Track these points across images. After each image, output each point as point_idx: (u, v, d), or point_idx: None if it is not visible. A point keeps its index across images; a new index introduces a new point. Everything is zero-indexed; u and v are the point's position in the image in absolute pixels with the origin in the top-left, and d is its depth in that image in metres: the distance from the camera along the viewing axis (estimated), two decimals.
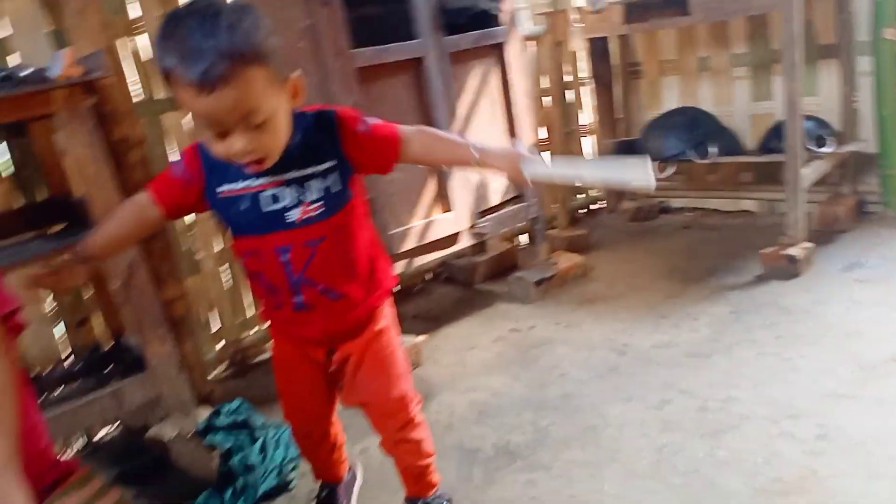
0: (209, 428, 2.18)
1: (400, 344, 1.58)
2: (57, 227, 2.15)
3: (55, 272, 1.34)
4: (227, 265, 2.79)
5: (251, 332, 2.89)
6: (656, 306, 2.76)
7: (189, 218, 2.64)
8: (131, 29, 2.44)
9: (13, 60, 2.19)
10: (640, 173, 1.29)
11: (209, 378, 2.62)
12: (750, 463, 1.76)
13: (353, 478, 1.88)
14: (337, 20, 2.25)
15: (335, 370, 1.55)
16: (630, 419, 2.04)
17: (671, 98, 3.82)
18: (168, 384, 2.13)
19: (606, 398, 2.17)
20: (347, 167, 1.34)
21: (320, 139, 1.31)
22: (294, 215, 1.31)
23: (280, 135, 1.22)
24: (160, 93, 2.50)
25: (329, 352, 1.53)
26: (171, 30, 1.10)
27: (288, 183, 1.30)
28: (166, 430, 2.21)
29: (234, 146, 1.16)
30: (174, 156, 2.55)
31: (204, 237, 2.70)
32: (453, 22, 2.63)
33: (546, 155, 1.28)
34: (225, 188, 1.32)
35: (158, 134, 2.51)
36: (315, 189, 1.31)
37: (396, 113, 2.51)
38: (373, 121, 1.36)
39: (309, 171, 1.30)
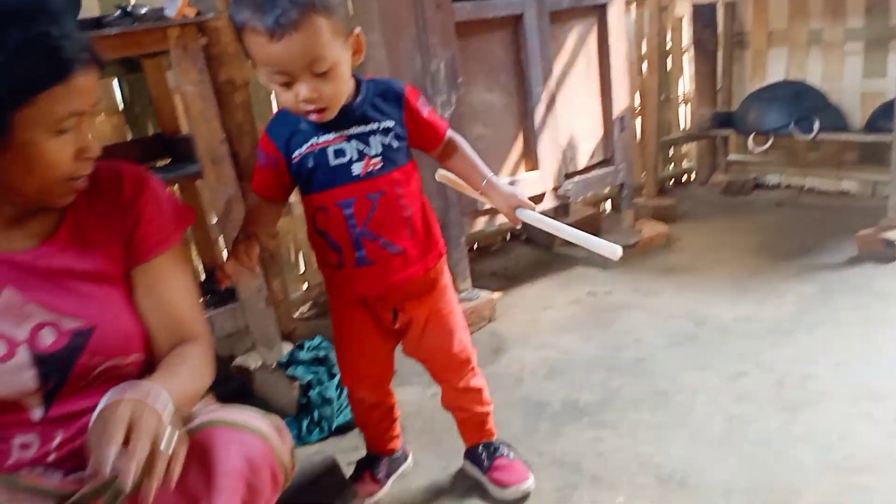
0: (291, 361, 2.29)
1: (457, 300, 1.65)
2: (163, 162, 2.29)
3: (240, 256, 1.44)
4: None
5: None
6: (741, 280, 2.71)
7: None
8: None
9: None
10: (608, 250, 1.42)
11: (293, 316, 2.74)
12: (824, 439, 1.74)
13: (403, 457, 1.86)
14: None
15: (400, 329, 1.61)
16: (703, 387, 2.04)
17: (776, 71, 3.68)
18: (256, 317, 2.24)
19: (680, 365, 2.17)
20: (404, 133, 1.43)
21: (384, 102, 1.41)
22: (358, 168, 1.39)
23: (341, 86, 1.30)
24: None
25: (394, 311, 1.58)
26: None
27: (350, 138, 1.38)
28: (251, 361, 2.34)
29: (300, 93, 1.25)
30: (275, 101, 2.64)
31: None
32: None
33: (536, 208, 1.46)
34: (296, 153, 1.40)
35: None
36: (376, 144, 1.39)
37: (491, 70, 2.53)
38: (430, 107, 1.47)
39: (371, 126, 1.39)
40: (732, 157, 3.93)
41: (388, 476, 1.82)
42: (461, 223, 2.52)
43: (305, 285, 2.92)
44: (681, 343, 2.31)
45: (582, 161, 2.85)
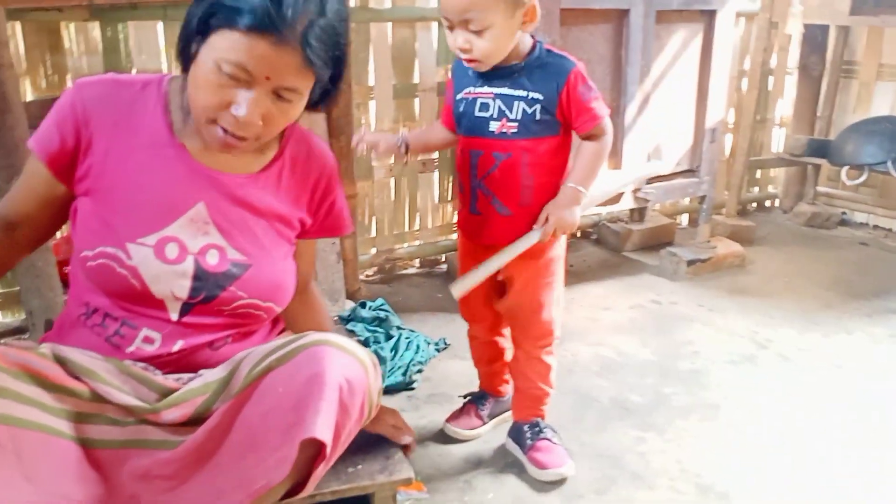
0: (352, 317, 2.36)
1: (561, 281, 1.68)
2: None
3: (382, 139, 1.67)
4: (394, 179, 2.94)
5: (404, 246, 3.04)
6: (810, 312, 2.65)
7: (373, 126, 2.79)
8: None
9: None
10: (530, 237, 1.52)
11: (358, 277, 2.81)
12: (875, 478, 1.70)
13: (508, 405, 1.89)
14: None
15: (502, 281, 1.67)
16: (756, 408, 2.01)
17: (882, 105, 3.56)
18: (326, 270, 2.31)
19: (735, 383, 2.14)
20: (553, 109, 1.48)
21: (544, 76, 1.48)
22: (494, 126, 1.51)
23: (495, 45, 1.42)
24: (372, 2, 2.65)
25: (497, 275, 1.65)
26: None
27: (496, 97, 1.50)
28: None
29: (456, 41, 1.43)
30: (377, 64, 2.70)
31: None
32: None
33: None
34: (459, 95, 1.56)
35: (364, 41, 2.66)
36: (517, 110, 1.49)
37: (589, 61, 2.51)
38: (593, 95, 1.49)
39: (518, 92, 1.49)
40: (821, 188, 3.82)
41: (490, 417, 1.90)
42: None
43: (374, 250, 2.97)
44: (739, 362, 2.28)
45: (667, 166, 2.81)
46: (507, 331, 1.82)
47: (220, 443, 1.01)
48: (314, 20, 1.01)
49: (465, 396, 1.94)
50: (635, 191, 2.73)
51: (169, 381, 1.10)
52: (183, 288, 1.10)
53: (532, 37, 1.51)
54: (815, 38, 3.47)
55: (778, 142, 3.91)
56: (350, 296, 2.60)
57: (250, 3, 0.97)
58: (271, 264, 1.18)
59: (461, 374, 2.17)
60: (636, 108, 2.61)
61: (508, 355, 1.84)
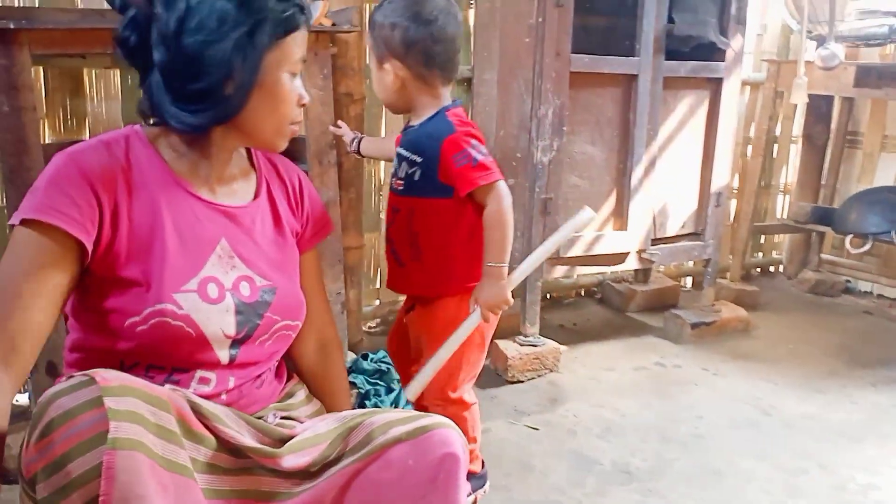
0: (353, 369, 2.35)
1: (471, 352, 1.65)
2: None
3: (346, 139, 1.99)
4: None
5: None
6: (814, 379, 2.63)
7: (383, 178, 2.83)
8: None
9: None
10: (582, 218, 1.57)
11: (361, 328, 2.80)
12: None
13: None
14: (565, 23, 2.34)
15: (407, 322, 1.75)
16: (759, 476, 1.98)
17: (886, 176, 3.59)
18: None
19: (739, 450, 2.12)
20: (431, 174, 1.55)
21: (427, 140, 1.55)
22: (392, 181, 1.64)
23: (376, 87, 1.60)
24: None
25: (408, 308, 1.76)
26: None
27: (398, 154, 1.63)
28: None
29: None
30: (390, 120, 2.75)
31: None
32: (675, 47, 2.64)
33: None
34: None
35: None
36: (403, 169, 1.60)
37: (597, 123, 2.57)
38: (467, 160, 1.50)
39: (404, 152, 1.60)
40: (825, 255, 3.83)
41: None
42: (541, 267, 2.53)
43: (377, 301, 2.98)
44: (742, 428, 2.26)
45: (672, 229, 2.84)
46: None
47: (339, 501, 1.08)
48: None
49: None
50: (640, 252, 2.74)
51: (282, 428, 1.14)
52: (230, 325, 1.12)
53: (454, 101, 1.60)
54: (819, 108, 3.52)
55: (782, 208, 3.94)
56: (352, 347, 2.59)
57: (282, 8, 1.06)
58: (291, 284, 1.24)
59: (499, 429, 2.15)
60: (643, 171, 2.65)
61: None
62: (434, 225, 1.57)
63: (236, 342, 1.13)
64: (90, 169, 1.05)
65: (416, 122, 1.60)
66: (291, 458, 1.08)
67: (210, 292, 1.10)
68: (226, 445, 1.04)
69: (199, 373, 1.12)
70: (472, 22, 2.80)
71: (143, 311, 1.05)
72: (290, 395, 1.27)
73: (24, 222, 1.02)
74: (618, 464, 2.03)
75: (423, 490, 1.06)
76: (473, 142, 1.51)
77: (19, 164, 1.71)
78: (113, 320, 1.06)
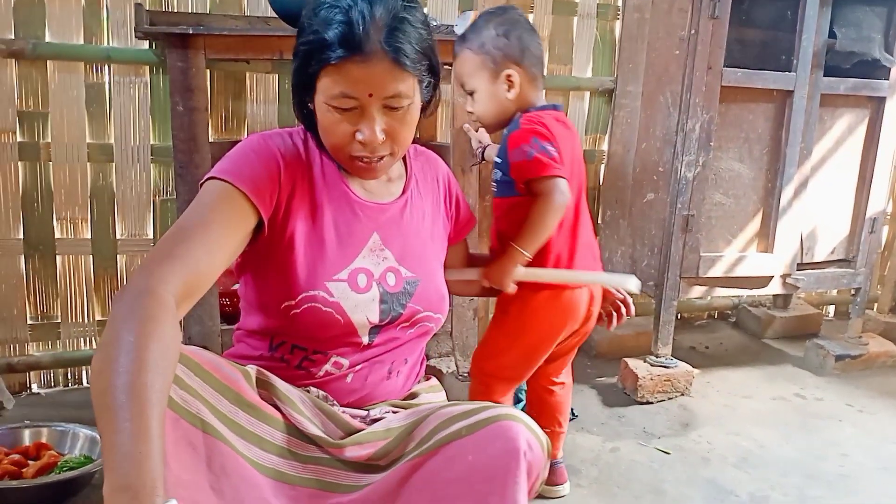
0: None
1: (497, 340, 1.73)
2: None
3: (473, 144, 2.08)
4: None
5: None
6: None
7: None
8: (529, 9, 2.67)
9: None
10: (624, 282, 1.52)
11: None
12: None
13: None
14: (719, 35, 2.26)
15: None
16: None
17: None
18: (461, 325, 2.34)
19: (889, 492, 1.97)
20: (507, 169, 1.61)
21: (503, 140, 1.63)
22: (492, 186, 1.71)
23: (482, 108, 1.65)
24: None
25: None
26: None
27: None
28: (444, 364, 2.43)
29: (465, 105, 1.71)
30: None
31: None
32: (835, 63, 2.51)
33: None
34: None
35: None
36: (495, 173, 1.66)
37: (746, 140, 2.47)
38: (523, 156, 1.55)
39: (496, 158, 1.67)
40: None
41: None
42: (677, 286, 2.46)
43: None
44: (891, 470, 2.10)
45: (820, 254, 2.68)
46: (562, 390, 1.85)
47: (396, 499, 1.06)
48: (388, 23, 1.05)
49: None
50: (785, 276, 2.61)
51: (354, 420, 1.16)
52: (374, 312, 1.18)
53: (547, 106, 1.65)
54: None
55: None
56: None
57: (328, 38, 1.04)
58: (435, 277, 1.28)
59: (589, 449, 2.12)
60: (792, 191, 2.52)
61: (561, 420, 1.86)
62: (514, 222, 1.59)
63: (377, 327, 1.19)
64: (277, 149, 1.16)
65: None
66: (354, 450, 1.10)
67: (360, 282, 1.17)
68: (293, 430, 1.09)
69: (335, 357, 1.18)
70: (617, 33, 2.77)
71: (298, 296, 1.13)
72: (413, 396, 1.29)
73: (211, 180, 1.10)
74: (756, 497, 1.93)
75: (485, 488, 1.00)
76: (533, 138, 1.55)
77: (190, 161, 1.83)
78: (269, 300, 1.15)
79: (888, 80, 2.60)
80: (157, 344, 0.84)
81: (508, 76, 1.59)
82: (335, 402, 1.18)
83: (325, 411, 1.13)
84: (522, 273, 1.53)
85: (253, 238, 1.13)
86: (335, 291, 1.14)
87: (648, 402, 2.44)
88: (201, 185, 1.11)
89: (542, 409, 1.82)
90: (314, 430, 1.10)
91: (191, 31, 1.77)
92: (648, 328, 2.56)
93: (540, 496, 1.84)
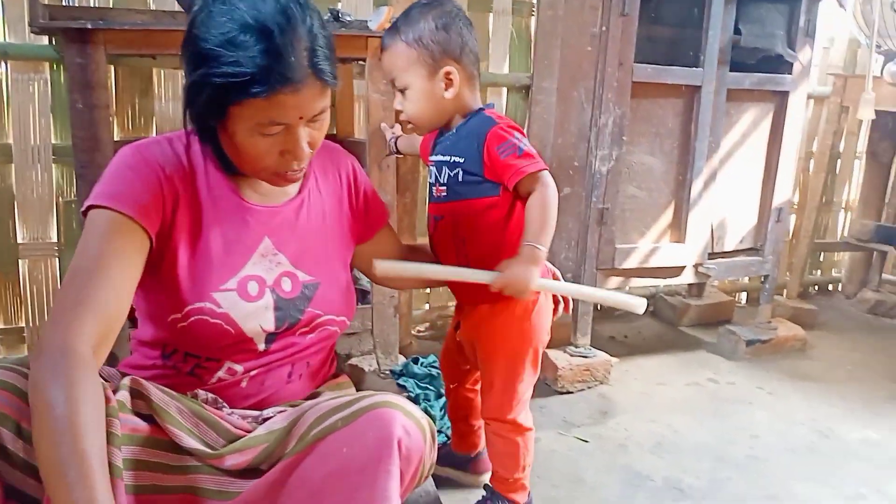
0: (404, 372, 2.35)
1: (513, 365, 1.60)
2: None
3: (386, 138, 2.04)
4: None
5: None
6: (874, 403, 2.55)
7: None
8: None
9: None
10: (631, 303, 1.43)
11: (411, 331, 2.81)
12: None
13: (467, 463, 1.90)
14: (629, 32, 2.31)
15: (459, 340, 1.71)
16: (816, 501, 1.93)
17: None
18: (382, 322, 2.31)
19: (795, 474, 2.06)
20: (478, 170, 1.49)
21: (466, 139, 1.51)
22: (433, 190, 1.58)
23: (416, 106, 1.49)
24: None
25: (457, 325, 1.70)
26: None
27: (435, 163, 1.57)
28: (366, 363, 2.42)
29: (395, 103, 1.53)
30: None
31: None
32: (741, 59, 2.60)
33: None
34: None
35: None
36: (444, 174, 1.54)
37: (657, 134, 2.53)
38: (514, 151, 1.45)
39: (444, 158, 1.54)
40: (886, 276, 3.72)
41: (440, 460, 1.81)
42: (594, 278, 2.51)
43: (427, 305, 2.98)
44: (799, 451, 2.20)
45: (730, 244, 2.78)
46: (476, 391, 1.81)
47: (276, 499, 1.02)
48: (311, 45, 1.02)
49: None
50: (697, 265, 2.69)
51: (240, 422, 1.12)
52: (269, 321, 1.15)
53: (485, 106, 1.55)
54: (886, 124, 3.41)
55: (843, 226, 3.83)
56: (402, 350, 2.60)
57: (253, 70, 0.98)
58: (337, 279, 1.25)
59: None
60: (702, 183, 2.60)
61: (475, 417, 1.84)
62: (481, 227, 1.51)
63: (273, 334, 1.17)
64: (155, 161, 1.10)
65: (453, 126, 1.55)
66: (233, 458, 1.07)
67: (250, 290, 1.14)
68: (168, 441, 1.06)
69: (228, 364, 1.15)
70: (532, 30, 2.80)
71: (184, 309, 1.09)
72: (314, 396, 1.26)
73: (94, 208, 1.05)
74: (670, 481, 1.99)
75: (356, 480, 0.97)
76: (516, 133, 1.48)
77: (91, 161, 1.76)
78: (157, 313, 1.12)
79: (791, 74, 2.71)
80: (85, 407, 0.88)
81: (448, 74, 1.47)
82: (224, 404, 1.15)
83: (205, 419, 1.09)
84: (539, 284, 1.40)
85: (147, 255, 1.09)
86: (223, 302, 1.11)
87: (568, 392, 2.49)
88: (84, 213, 1.06)
89: (470, 408, 1.83)
90: (192, 442, 1.06)
91: (89, 26, 1.70)
92: (568, 319, 2.60)
93: (464, 485, 1.87)
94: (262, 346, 1.16)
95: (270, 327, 1.15)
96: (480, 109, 1.54)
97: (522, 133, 1.50)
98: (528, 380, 1.63)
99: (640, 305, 1.43)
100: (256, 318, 1.14)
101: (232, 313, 1.11)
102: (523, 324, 1.56)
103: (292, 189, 1.24)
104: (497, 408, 1.62)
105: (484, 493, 1.74)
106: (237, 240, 1.16)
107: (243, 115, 1.02)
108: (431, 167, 1.59)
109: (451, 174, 1.52)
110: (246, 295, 1.13)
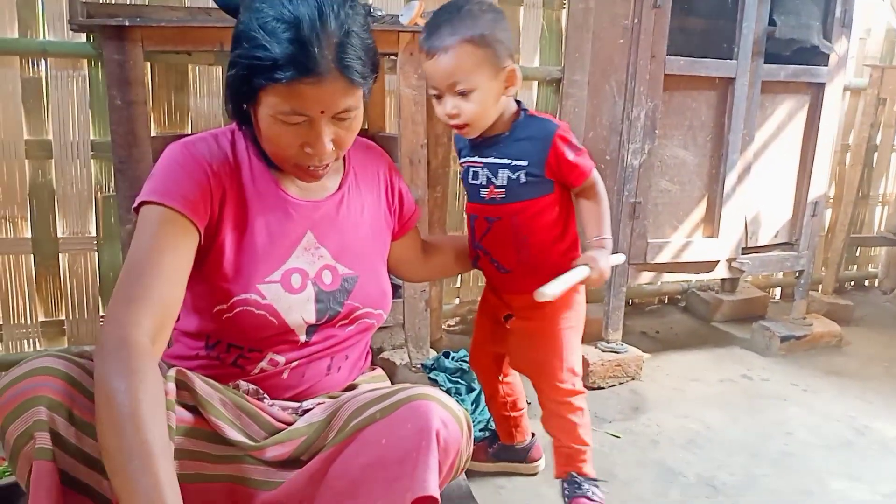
0: (435, 366, 2.36)
1: (571, 338, 1.66)
2: None
3: None
4: None
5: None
6: None
7: None
8: None
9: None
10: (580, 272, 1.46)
11: (441, 326, 2.82)
12: None
13: (526, 453, 1.94)
14: (662, 24, 2.29)
15: (506, 334, 1.72)
16: (851, 498, 1.90)
17: None
18: (414, 316, 2.33)
19: (831, 470, 2.03)
20: (540, 172, 1.52)
21: (528, 142, 1.52)
22: (484, 192, 1.57)
23: (481, 108, 1.45)
24: None
25: (506, 316, 1.70)
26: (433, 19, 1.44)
27: (484, 166, 1.56)
28: (398, 356, 2.43)
29: (445, 107, 1.46)
30: None
31: None
32: (776, 51, 2.56)
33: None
34: (460, 163, 1.64)
35: None
36: (503, 177, 1.53)
37: (690, 127, 2.51)
38: (578, 152, 1.52)
39: (503, 161, 1.53)
40: None
41: (496, 458, 1.94)
42: (625, 272, 2.50)
43: (457, 300, 2.99)
44: (835, 448, 2.17)
45: (764, 238, 2.75)
46: (512, 378, 1.86)
47: (316, 490, 1.05)
48: (341, 41, 1.03)
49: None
50: (730, 260, 2.67)
51: (280, 414, 1.15)
52: (310, 312, 1.17)
53: (517, 103, 1.56)
54: None
55: (880, 220, 3.76)
56: (432, 345, 2.61)
57: (278, 56, 1.00)
58: (375, 273, 1.27)
59: (541, 435, 2.13)
60: (736, 177, 2.57)
61: (521, 403, 1.88)
62: (542, 224, 1.56)
63: (314, 326, 1.19)
64: (203, 158, 1.13)
65: (494, 130, 1.53)
66: (275, 450, 1.10)
67: (293, 282, 1.16)
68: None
69: (270, 355, 1.18)
70: (563, 23, 2.79)
71: (230, 300, 1.12)
72: (352, 387, 1.28)
73: (146, 204, 1.08)
74: (703, 477, 1.98)
75: (395, 471, 0.99)
76: (570, 132, 1.54)
77: (129, 156, 1.80)
78: (202, 304, 1.15)
79: (826, 66, 2.66)
80: (146, 396, 0.90)
81: (513, 72, 1.46)
82: (265, 395, 1.17)
83: (247, 412, 1.12)
84: (614, 260, 1.54)
85: (197, 248, 1.12)
86: (267, 294, 1.14)
87: (600, 388, 2.48)
88: (135, 209, 1.10)
89: (516, 395, 1.88)
90: (234, 434, 1.09)
91: (126, 23, 1.73)
92: (599, 315, 2.59)
93: (516, 473, 1.93)
94: (303, 338, 1.18)
95: (312, 319, 1.17)
96: (523, 109, 1.55)
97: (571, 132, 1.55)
98: (577, 346, 1.68)
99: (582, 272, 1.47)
100: (299, 310, 1.16)
101: (276, 305, 1.14)
102: (578, 295, 1.65)
103: (332, 184, 1.26)
104: (551, 387, 1.67)
105: (565, 483, 1.75)
106: (281, 233, 1.18)
107: (268, 101, 1.05)
108: (476, 168, 1.57)
109: (513, 177, 1.52)
110: (289, 287, 1.16)
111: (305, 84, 1.02)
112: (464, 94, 1.42)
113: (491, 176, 1.55)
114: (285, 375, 1.19)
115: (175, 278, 1.04)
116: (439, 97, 1.46)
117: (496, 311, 1.73)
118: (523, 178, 1.52)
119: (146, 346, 0.95)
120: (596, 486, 1.74)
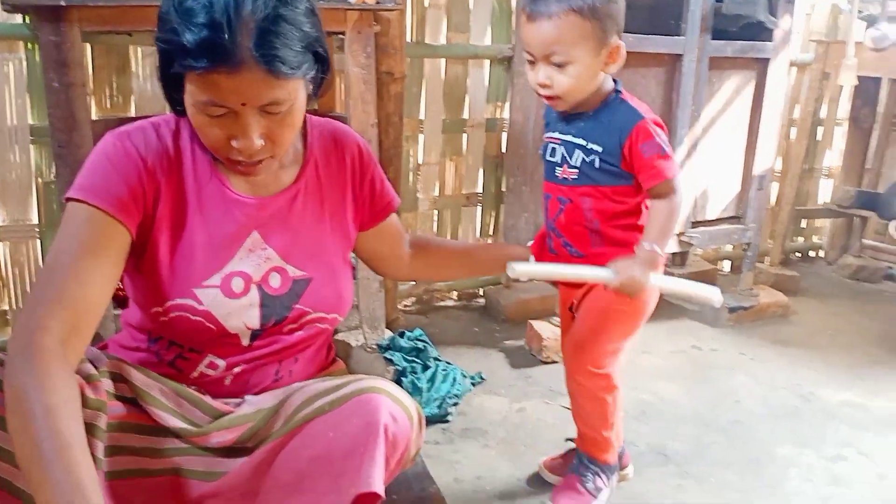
0: (391, 346, 2.37)
1: (624, 331, 1.60)
2: None
3: None
4: (437, 212, 2.96)
5: None
6: (855, 367, 2.59)
7: (420, 159, 2.83)
8: None
9: None
10: (709, 295, 1.41)
11: (397, 306, 2.82)
12: None
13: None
14: None
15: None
16: (798, 463, 1.97)
17: None
18: (368, 297, 2.32)
19: (777, 437, 2.10)
20: (615, 161, 1.45)
21: (608, 127, 1.44)
22: (558, 171, 1.51)
23: (576, 82, 1.38)
24: (428, 38, 2.69)
25: (571, 306, 1.64)
26: None
27: (562, 143, 1.50)
28: (353, 338, 2.42)
29: (537, 76, 1.39)
30: (428, 99, 2.74)
31: (427, 181, 2.87)
32: (723, 27, 2.59)
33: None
34: (545, 135, 1.57)
35: (418, 75, 2.70)
36: (577, 158, 1.48)
37: None
38: (658, 152, 1.41)
39: (579, 141, 1.47)
40: (867, 241, 3.75)
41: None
42: None
43: (413, 280, 2.99)
44: (781, 415, 2.24)
45: (712, 212, 2.80)
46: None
47: (261, 481, 1.02)
48: (262, 28, 0.92)
49: (569, 440, 1.86)
50: (680, 234, 2.71)
51: (221, 404, 1.11)
52: (253, 318, 1.11)
53: (614, 82, 1.48)
54: (867, 90, 3.43)
55: (825, 192, 3.86)
56: (388, 325, 2.61)
57: (189, 42, 0.90)
58: (332, 274, 1.18)
59: (496, 410, 2.17)
60: (685, 152, 2.61)
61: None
62: (613, 214, 1.48)
63: (258, 331, 1.13)
64: (136, 152, 1.05)
65: (582, 108, 1.46)
66: (219, 435, 1.06)
67: (234, 287, 1.10)
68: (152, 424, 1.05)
69: (210, 357, 1.13)
70: (514, 1, 2.78)
71: (165, 303, 1.06)
72: None
73: (72, 201, 1.02)
74: (654, 446, 2.02)
75: (341, 466, 0.96)
76: (660, 131, 1.43)
77: (69, 140, 1.75)
78: (141, 301, 1.10)
79: (772, 41, 2.71)
80: (54, 390, 0.86)
81: (617, 49, 1.38)
82: (206, 392, 1.13)
83: (188, 398, 1.09)
84: (660, 282, 1.39)
85: (130, 247, 1.06)
86: (205, 299, 1.07)
87: (554, 362, 2.51)
88: (65, 202, 1.04)
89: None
90: (175, 422, 1.05)
91: (62, 3, 1.67)
92: (554, 291, 2.61)
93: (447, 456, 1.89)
94: (246, 342, 1.13)
95: (255, 324, 1.11)
96: (618, 92, 1.47)
97: (665, 130, 1.46)
98: (619, 337, 1.61)
99: (714, 298, 1.41)
100: (240, 316, 1.10)
101: (214, 311, 1.08)
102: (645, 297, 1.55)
103: (287, 178, 1.16)
104: (593, 361, 1.60)
105: (575, 460, 1.73)
106: (222, 233, 1.10)
107: (189, 88, 0.97)
108: (555, 144, 1.51)
109: (587, 160, 1.46)
110: (230, 292, 1.09)
111: (220, 74, 0.92)
112: (560, 66, 1.35)
113: (566, 154, 1.49)
114: (227, 381, 1.14)
115: (93, 279, 0.97)
116: (532, 62, 1.40)
117: (566, 299, 1.66)
118: (598, 163, 1.45)
119: (54, 351, 0.90)
120: (601, 475, 1.70)
